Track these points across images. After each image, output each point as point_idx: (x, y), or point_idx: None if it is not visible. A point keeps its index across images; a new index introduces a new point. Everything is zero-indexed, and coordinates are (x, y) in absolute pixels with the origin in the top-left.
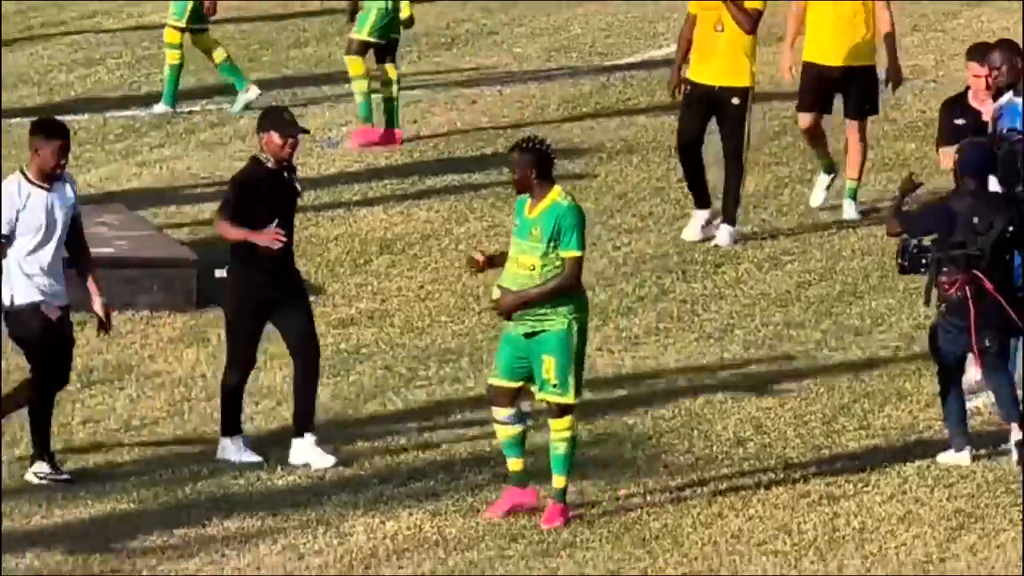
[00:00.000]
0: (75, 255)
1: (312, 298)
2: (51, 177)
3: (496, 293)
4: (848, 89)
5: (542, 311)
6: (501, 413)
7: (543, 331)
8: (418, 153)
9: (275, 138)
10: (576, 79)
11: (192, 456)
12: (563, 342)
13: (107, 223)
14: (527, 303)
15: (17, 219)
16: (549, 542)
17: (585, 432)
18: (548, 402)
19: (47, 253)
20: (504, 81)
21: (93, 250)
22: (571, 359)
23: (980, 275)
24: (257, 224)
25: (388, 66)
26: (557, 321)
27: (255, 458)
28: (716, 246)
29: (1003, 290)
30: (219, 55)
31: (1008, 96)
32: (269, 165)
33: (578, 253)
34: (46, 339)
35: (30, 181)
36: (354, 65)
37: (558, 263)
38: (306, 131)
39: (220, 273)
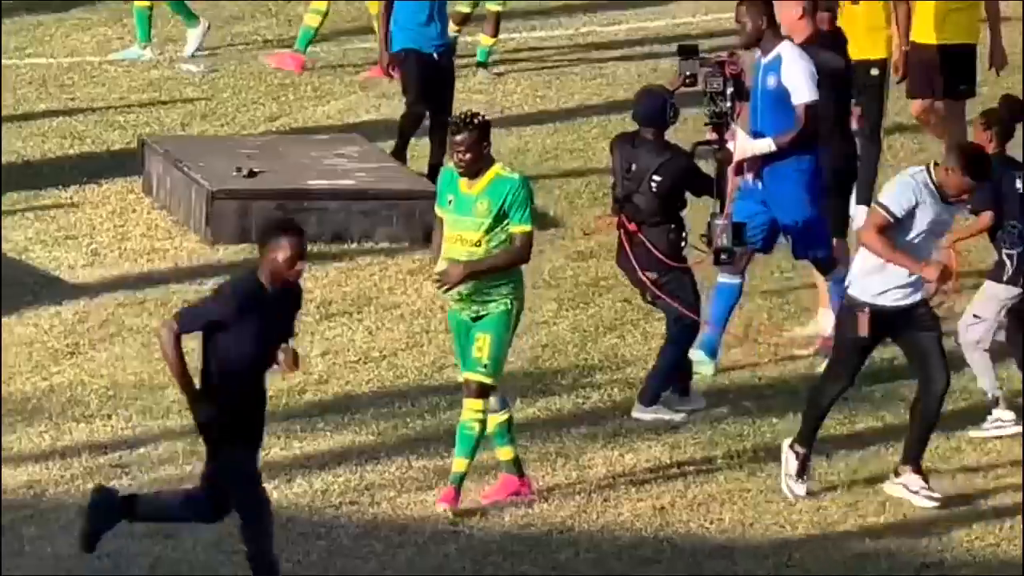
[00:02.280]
0: None
1: (551, 231)
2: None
3: (441, 266)
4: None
5: (486, 292)
6: (484, 404)
7: (486, 313)
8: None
9: None
10: None
11: (430, 388)
12: (502, 322)
13: (346, 155)
14: (474, 275)
15: (912, 216)
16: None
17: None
18: (469, 381)
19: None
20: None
21: (332, 182)
22: (505, 341)
23: (623, 217)
24: None
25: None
26: (500, 302)
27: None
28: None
29: (656, 241)
30: None
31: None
32: None
33: (529, 228)
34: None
35: (933, 182)
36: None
37: (503, 236)
38: None
39: None
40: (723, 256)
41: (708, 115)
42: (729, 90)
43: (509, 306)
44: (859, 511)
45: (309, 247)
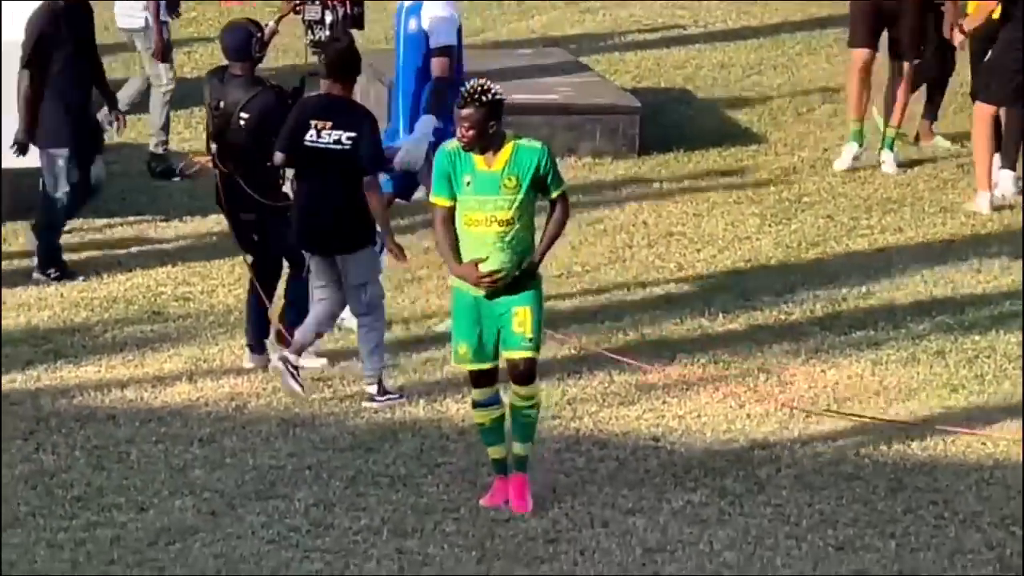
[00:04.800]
0: None
1: (754, 147)
2: None
3: (488, 266)
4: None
5: (518, 277)
6: (481, 395)
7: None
8: None
9: None
10: None
11: (633, 304)
12: (538, 297)
13: (550, 69)
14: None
15: None
16: (989, 393)
17: None
18: (517, 361)
19: None
20: None
21: (536, 96)
22: (542, 315)
23: (216, 156)
24: None
25: None
26: (529, 280)
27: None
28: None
29: (250, 180)
30: None
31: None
32: None
33: (564, 188)
34: None
35: None
36: None
37: (530, 207)
38: None
39: None
40: None
41: (307, 44)
42: (328, 19)
43: (539, 280)
44: None
45: None
